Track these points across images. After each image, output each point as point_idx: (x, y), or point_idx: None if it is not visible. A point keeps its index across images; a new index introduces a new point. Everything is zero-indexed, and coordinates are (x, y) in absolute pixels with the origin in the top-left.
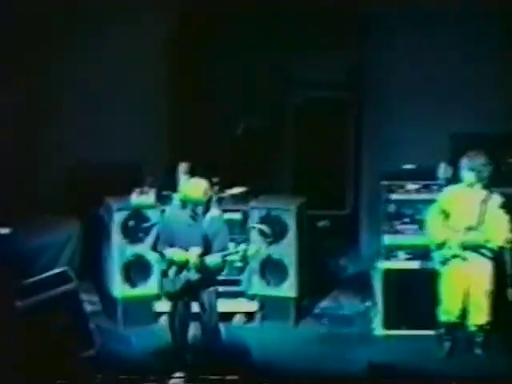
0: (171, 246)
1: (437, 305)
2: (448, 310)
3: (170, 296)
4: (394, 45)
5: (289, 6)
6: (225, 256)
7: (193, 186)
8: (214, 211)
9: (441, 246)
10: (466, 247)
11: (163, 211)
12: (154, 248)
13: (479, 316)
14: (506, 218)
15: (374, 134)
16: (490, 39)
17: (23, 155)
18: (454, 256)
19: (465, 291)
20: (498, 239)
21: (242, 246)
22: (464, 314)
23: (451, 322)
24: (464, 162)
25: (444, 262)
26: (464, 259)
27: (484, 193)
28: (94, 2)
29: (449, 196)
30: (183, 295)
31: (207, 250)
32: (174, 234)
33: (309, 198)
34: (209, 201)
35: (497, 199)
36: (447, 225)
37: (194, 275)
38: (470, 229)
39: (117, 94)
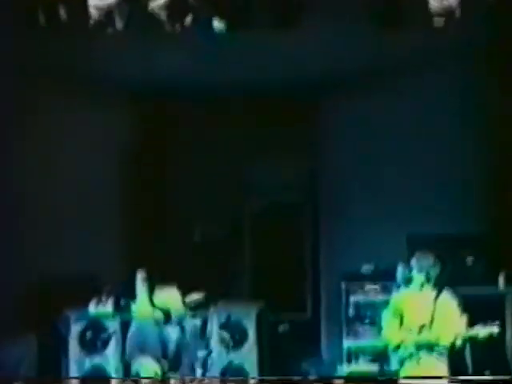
0: (142, 353)
1: None
2: None
3: None
4: (349, 148)
5: (248, 110)
6: None
7: (169, 297)
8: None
9: (397, 347)
10: (420, 347)
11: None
12: (126, 356)
13: None
14: (457, 315)
15: (332, 236)
16: (442, 144)
17: None
18: (410, 356)
19: None
20: (449, 337)
21: None
22: None
23: None
24: (413, 262)
25: (401, 363)
26: (419, 359)
27: (434, 292)
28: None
29: (401, 298)
30: None
31: (175, 362)
32: (145, 342)
33: (269, 302)
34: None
35: (447, 297)
36: (401, 326)
37: None
38: (422, 328)
39: (70, 204)
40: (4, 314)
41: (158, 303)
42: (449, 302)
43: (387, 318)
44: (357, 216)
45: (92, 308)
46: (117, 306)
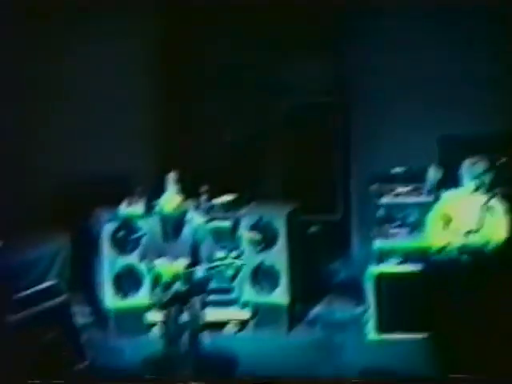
0: (159, 257)
1: (429, 308)
2: None
3: (161, 306)
4: (380, 48)
5: (275, 11)
6: (213, 268)
7: (167, 201)
8: (198, 220)
9: (441, 250)
10: (465, 251)
11: (150, 222)
12: (142, 259)
13: None
14: (505, 221)
15: (363, 137)
16: (477, 40)
17: (10, 169)
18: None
19: None
20: (497, 242)
21: (231, 255)
22: None
23: None
24: (465, 168)
25: (442, 264)
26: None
27: (484, 197)
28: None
29: (449, 201)
30: (174, 305)
31: (195, 260)
32: (160, 245)
33: (299, 203)
34: (184, 214)
35: (496, 203)
36: (447, 229)
37: (182, 286)
38: (469, 232)
39: (103, 104)
40: (38, 212)
41: (185, 204)
42: (498, 207)
43: (433, 220)
44: (388, 117)
45: (124, 208)
46: (148, 207)
